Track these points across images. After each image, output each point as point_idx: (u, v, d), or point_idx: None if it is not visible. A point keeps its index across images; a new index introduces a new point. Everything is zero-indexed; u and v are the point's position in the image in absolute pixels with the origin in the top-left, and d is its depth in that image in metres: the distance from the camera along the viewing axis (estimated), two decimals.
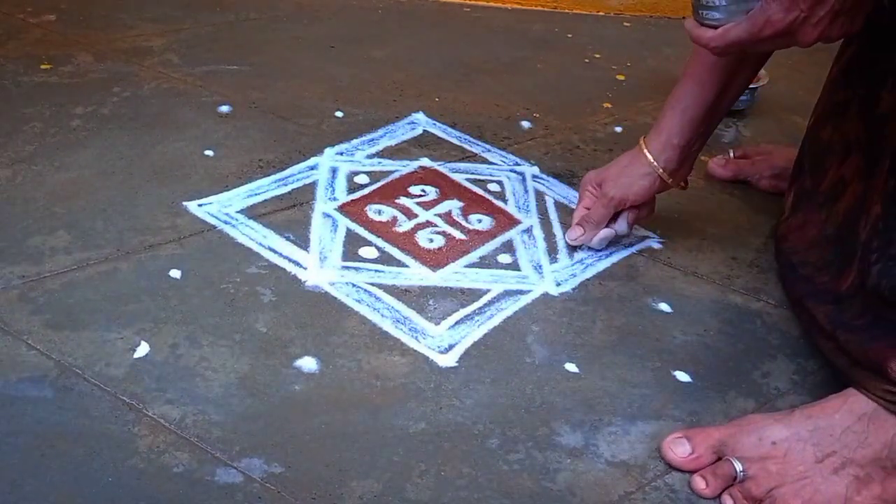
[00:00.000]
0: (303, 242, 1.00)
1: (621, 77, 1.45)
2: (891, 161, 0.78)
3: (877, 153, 0.81)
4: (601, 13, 1.73)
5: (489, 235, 1.04)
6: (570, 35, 1.61)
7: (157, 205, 1.04)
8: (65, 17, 1.50)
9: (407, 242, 1.01)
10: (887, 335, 0.76)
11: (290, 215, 1.04)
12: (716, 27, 0.79)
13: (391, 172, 1.13)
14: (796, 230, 0.94)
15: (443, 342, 0.88)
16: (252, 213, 1.04)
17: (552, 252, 1.02)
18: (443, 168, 1.15)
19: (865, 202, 0.82)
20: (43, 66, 1.33)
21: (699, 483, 0.76)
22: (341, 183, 1.11)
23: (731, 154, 1.21)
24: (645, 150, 0.97)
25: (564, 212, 1.09)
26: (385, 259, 0.98)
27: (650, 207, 1.02)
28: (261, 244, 0.99)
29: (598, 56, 1.53)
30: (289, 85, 1.34)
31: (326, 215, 1.05)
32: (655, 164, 0.97)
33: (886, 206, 0.78)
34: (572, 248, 1.03)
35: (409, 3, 1.68)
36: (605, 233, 1.00)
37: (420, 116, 1.27)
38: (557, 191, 1.13)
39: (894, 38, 0.80)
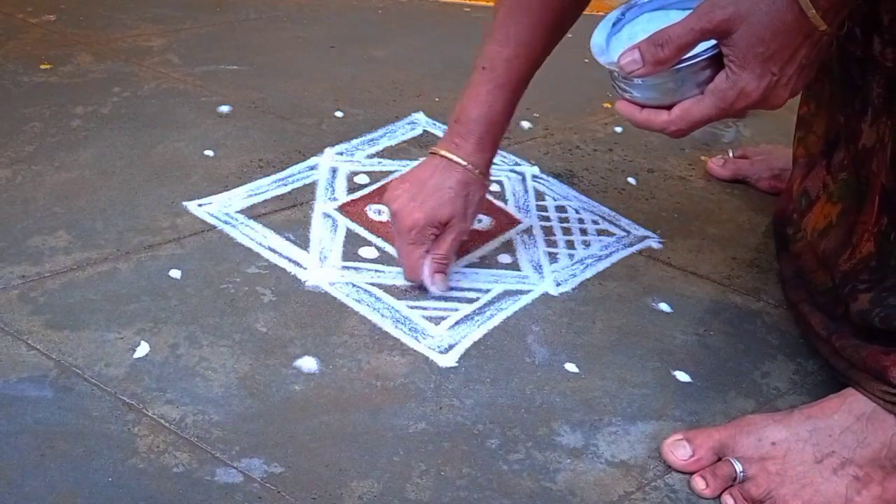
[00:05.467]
0: (303, 242, 1.00)
1: None
2: (880, 200, 0.77)
3: (863, 187, 0.80)
4: (601, 13, 1.73)
5: (489, 235, 1.04)
6: (570, 35, 1.61)
7: (157, 205, 1.04)
8: (65, 17, 1.51)
9: None
10: (881, 344, 0.76)
11: (290, 215, 1.04)
12: (649, 106, 0.72)
13: (391, 172, 1.13)
14: (809, 252, 0.93)
15: (443, 342, 0.88)
16: (252, 213, 1.04)
17: (552, 252, 1.02)
18: None
19: (853, 236, 0.81)
20: (43, 66, 1.33)
21: (699, 483, 0.76)
22: (341, 183, 1.11)
23: (731, 154, 1.21)
24: (457, 160, 0.91)
25: (564, 212, 1.09)
26: (385, 259, 0.98)
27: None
28: (261, 244, 0.99)
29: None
30: (289, 85, 1.34)
31: (326, 215, 1.05)
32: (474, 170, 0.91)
33: (881, 245, 0.77)
34: (572, 249, 1.03)
35: (409, 3, 1.68)
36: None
37: (420, 116, 1.27)
38: (557, 191, 1.13)
39: (867, 68, 0.78)
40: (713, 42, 0.69)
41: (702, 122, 0.71)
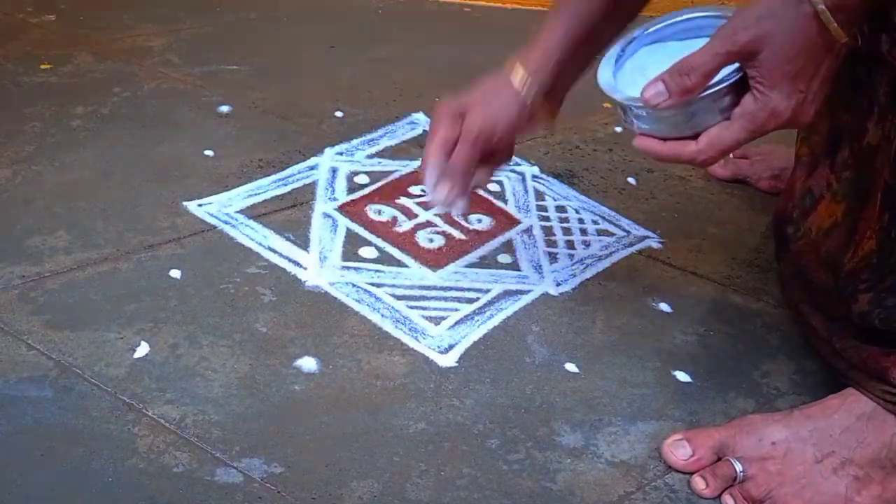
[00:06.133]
0: (303, 242, 1.00)
1: None
2: (882, 196, 0.77)
3: (866, 185, 0.80)
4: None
5: (489, 235, 1.04)
6: None
7: (157, 205, 1.04)
8: (65, 17, 1.51)
9: (407, 242, 1.01)
10: (882, 345, 0.76)
11: (290, 215, 1.04)
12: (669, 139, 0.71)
13: (391, 172, 1.13)
14: (811, 252, 0.93)
15: (443, 342, 0.88)
16: (252, 213, 1.04)
17: (552, 252, 1.02)
18: None
19: (856, 234, 0.81)
20: (43, 66, 1.33)
21: (699, 483, 0.76)
22: (341, 183, 1.11)
23: (731, 154, 1.21)
24: (518, 67, 0.84)
25: (564, 212, 1.09)
26: (385, 259, 0.98)
27: (508, 153, 0.90)
28: (261, 244, 0.99)
29: (597, 56, 1.53)
30: (289, 85, 1.34)
31: (326, 215, 1.05)
32: (526, 82, 0.84)
33: (882, 242, 0.77)
34: (572, 249, 1.03)
35: (409, 3, 1.68)
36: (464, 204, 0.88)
37: (420, 116, 1.27)
38: (557, 191, 1.13)
39: (874, 67, 0.77)
40: (734, 67, 0.68)
41: (732, 147, 0.70)
